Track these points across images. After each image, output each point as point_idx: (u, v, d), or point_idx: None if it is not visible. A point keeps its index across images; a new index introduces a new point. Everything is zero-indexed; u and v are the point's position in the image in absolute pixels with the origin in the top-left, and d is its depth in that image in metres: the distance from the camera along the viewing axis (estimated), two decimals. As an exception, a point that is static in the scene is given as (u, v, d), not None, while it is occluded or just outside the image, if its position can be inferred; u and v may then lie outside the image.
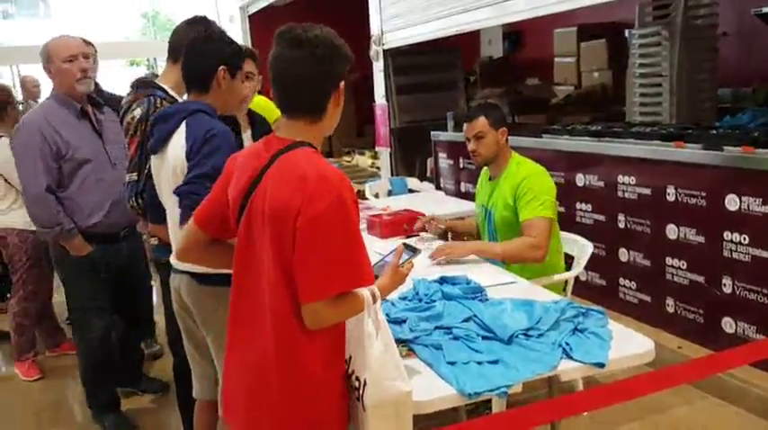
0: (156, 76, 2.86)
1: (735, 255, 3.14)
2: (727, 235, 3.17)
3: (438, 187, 5.84)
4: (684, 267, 3.45)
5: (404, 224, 3.39)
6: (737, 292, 3.15)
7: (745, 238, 3.08)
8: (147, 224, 2.54)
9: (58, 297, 4.73)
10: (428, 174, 6.24)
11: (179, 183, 2.06)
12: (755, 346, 2.54)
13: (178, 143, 2.06)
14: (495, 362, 1.84)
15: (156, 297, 4.13)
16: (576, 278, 3.06)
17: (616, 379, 2.10)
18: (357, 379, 1.61)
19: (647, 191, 3.65)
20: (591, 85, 6.67)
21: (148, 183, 2.32)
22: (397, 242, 3.12)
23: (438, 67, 6.79)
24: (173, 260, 2.21)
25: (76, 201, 3.03)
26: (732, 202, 3.13)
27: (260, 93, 3.08)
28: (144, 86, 2.56)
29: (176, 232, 2.14)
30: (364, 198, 5.30)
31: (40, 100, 5.51)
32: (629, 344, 1.95)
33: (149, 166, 2.32)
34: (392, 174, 6.42)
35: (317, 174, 1.52)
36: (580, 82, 6.88)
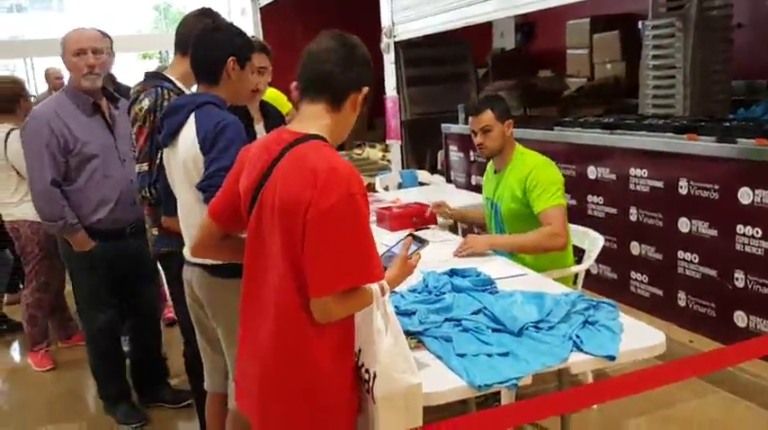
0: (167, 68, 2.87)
1: (747, 249, 3.11)
2: (739, 228, 3.14)
3: (448, 180, 5.83)
4: (696, 261, 3.43)
5: (413, 217, 3.38)
6: (750, 286, 3.12)
7: (758, 232, 3.05)
8: (153, 218, 2.54)
9: (71, 288, 4.79)
10: (439, 167, 6.22)
11: (191, 176, 2.07)
12: (767, 340, 2.52)
13: (189, 136, 2.07)
14: (506, 354, 1.84)
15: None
16: (587, 271, 3.05)
17: (626, 372, 2.10)
18: (367, 371, 1.61)
19: (659, 184, 3.62)
20: (604, 77, 6.59)
21: (161, 174, 2.33)
22: (406, 234, 3.13)
23: (449, 60, 6.76)
24: (186, 252, 2.23)
25: (82, 196, 3.02)
26: (745, 196, 3.10)
27: (270, 85, 3.07)
28: (152, 78, 2.56)
29: (188, 223, 2.15)
30: (374, 191, 5.30)
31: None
32: (640, 337, 1.94)
33: (161, 158, 2.33)
34: (403, 167, 6.40)
35: (327, 166, 1.52)
36: (593, 74, 6.81)
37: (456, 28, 5.44)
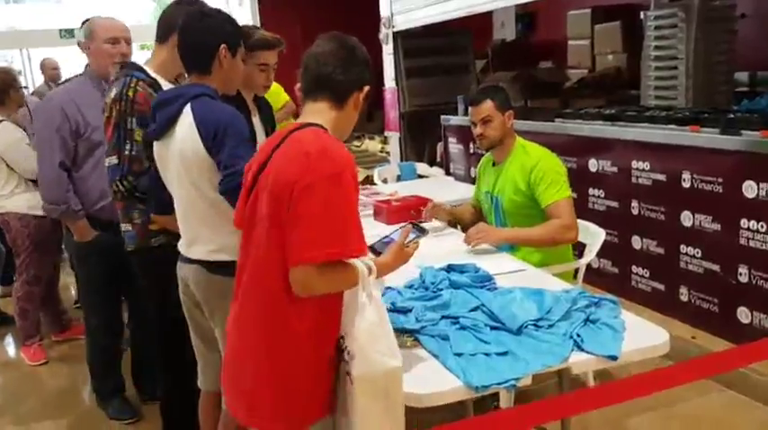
0: None
1: (752, 244, 3.05)
2: (744, 222, 3.08)
3: (448, 172, 5.76)
4: (699, 255, 3.37)
5: (411, 210, 3.32)
6: (754, 281, 3.06)
7: (762, 226, 2.99)
8: (126, 213, 2.46)
9: (67, 279, 4.74)
10: (438, 160, 6.16)
11: (190, 170, 2.01)
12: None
13: (186, 128, 2.00)
14: (504, 353, 1.78)
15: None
16: (588, 265, 2.99)
17: (629, 370, 2.04)
18: (349, 352, 1.59)
19: (661, 176, 3.56)
20: (605, 68, 6.53)
21: (150, 170, 2.26)
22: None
23: (449, 50, 6.68)
24: (182, 248, 2.16)
25: (88, 184, 3.00)
26: (750, 189, 3.03)
27: None
28: (126, 67, 2.49)
29: (188, 219, 2.09)
30: (373, 183, 5.24)
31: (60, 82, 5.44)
32: (642, 335, 1.88)
33: (129, 148, 2.28)
34: (401, 159, 6.34)
35: (320, 148, 1.58)
36: (594, 65, 6.75)
37: (456, 18, 5.36)
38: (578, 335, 1.84)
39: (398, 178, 5.45)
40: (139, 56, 3.44)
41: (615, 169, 3.88)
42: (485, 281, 2.25)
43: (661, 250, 3.62)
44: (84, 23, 3.02)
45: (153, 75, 2.45)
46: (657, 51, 4.60)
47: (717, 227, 3.24)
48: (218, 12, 2.17)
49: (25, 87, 6.44)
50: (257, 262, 1.66)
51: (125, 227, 2.47)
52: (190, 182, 2.02)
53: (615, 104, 4.84)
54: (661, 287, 3.65)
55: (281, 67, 2.70)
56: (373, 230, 2.93)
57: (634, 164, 3.72)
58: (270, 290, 1.62)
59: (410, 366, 1.78)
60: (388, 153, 6.97)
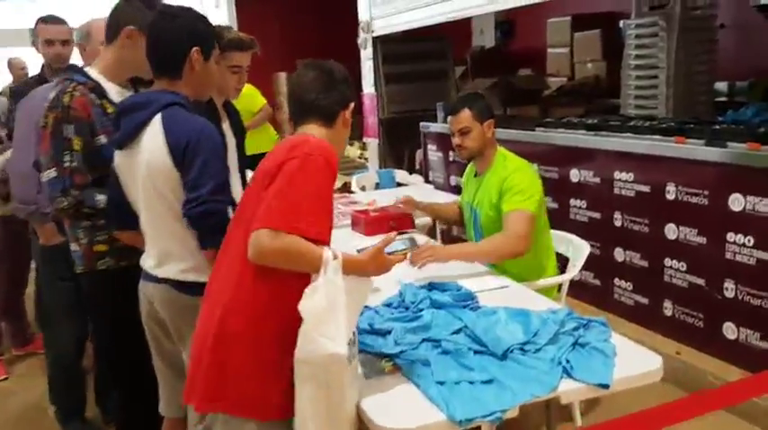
0: None
1: (738, 258, 2.98)
2: (730, 236, 3.01)
3: (427, 180, 5.66)
4: (684, 269, 3.29)
5: (390, 221, 3.20)
6: (740, 297, 2.99)
7: (749, 240, 2.92)
8: (72, 231, 2.30)
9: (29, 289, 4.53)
10: (417, 167, 6.06)
11: (157, 184, 1.86)
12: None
13: (154, 139, 1.85)
14: (489, 381, 1.67)
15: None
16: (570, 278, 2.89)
17: (616, 396, 1.93)
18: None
19: (645, 188, 3.48)
20: (584, 76, 6.50)
21: (109, 182, 2.08)
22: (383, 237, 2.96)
23: (428, 56, 6.59)
24: (148, 266, 2.02)
25: None
26: (736, 202, 2.97)
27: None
28: (68, 71, 2.32)
29: (157, 235, 1.95)
30: (350, 191, 5.12)
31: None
32: (634, 361, 1.78)
33: (69, 159, 2.10)
34: (380, 166, 6.23)
35: (303, 139, 1.70)
36: (573, 73, 6.71)
37: (435, 24, 5.27)
38: (567, 361, 1.74)
39: (377, 186, 5.34)
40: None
41: (598, 180, 3.80)
42: (467, 299, 2.15)
43: (645, 263, 3.55)
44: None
45: (97, 78, 2.26)
46: (638, 60, 4.56)
47: (702, 240, 3.17)
48: (189, 10, 1.99)
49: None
50: (231, 257, 1.71)
51: (73, 247, 2.30)
52: (158, 196, 1.88)
53: (595, 113, 4.79)
54: (645, 301, 3.58)
55: (259, 70, 2.59)
56: (351, 242, 2.84)
57: (617, 174, 3.65)
58: (243, 277, 1.64)
59: (389, 395, 1.67)
60: (366, 159, 6.86)
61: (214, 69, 2.02)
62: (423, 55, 6.51)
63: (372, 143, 6.36)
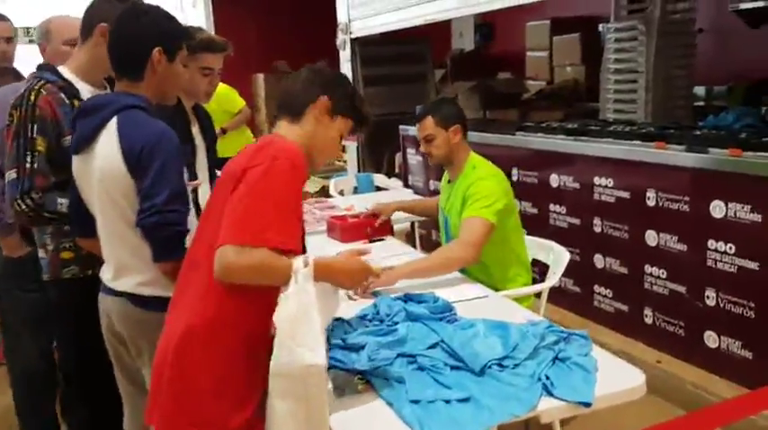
0: None
1: (719, 265, 2.94)
2: (711, 243, 2.97)
3: (406, 184, 5.58)
4: (664, 276, 3.25)
5: (366, 228, 3.12)
6: (722, 305, 2.95)
7: (731, 248, 2.88)
8: (39, 237, 2.21)
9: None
10: (396, 171, 5.98)
11: (111, 192, 1.77)
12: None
13: (108, 144, 1.75)
14: (466, 399, 1.59)
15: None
16: (550, 285, 2.83)
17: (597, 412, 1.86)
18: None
19: (625, 194, 3.44)
20: (563, 80, 6.47)
21: (70, 187, 1.99)
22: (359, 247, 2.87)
23: (407, 59, 6.53)
24: (105, 278, 1.91)
25: None
26: (717, 209, 2.93)
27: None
28: (38, 69, 2.22)
29: (112, 245, 1.85)
30: (328, 195, 5.03)
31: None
32: (616, 377, 1.71)
33: (31, 160, 2.00)
34: (359, 170, 6.14)
35: (270, 142, 1.62)
36: (552, 77, 6.69)
37: (414, 26, 5.20)
38: (547, 378, 1.66)
39: (355, 190, 5.26)
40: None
41: (577, 185, 3.75)
42: (444, 311, 2.07)
43: (624, 270, 3.50)
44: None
45: (69, 77, 2.16)
46: (617, 64, 4.54)
47: (683, 247, 3.13)
48: (155, 8, 1.89)
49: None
50: (194, 266, 1.63)
51: (40, 253, 2.20)
52: (113, 205, 1.78)
53: (574, 117, 4.75)
54: (625, 308, 3.53)
55: (236, 71, 2.50)
56: (326, 248, 2.75)
57: (596, 180, 3.60)
58: (200, 271, 1.57)
59: (361, 416, 1.58)
60: (346, 162, 6.77)
61: (180, 71, 1.91)
62: (402, 57, 6.45)
63: (351, 146, 6.27)
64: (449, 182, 2.86)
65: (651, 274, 3.32)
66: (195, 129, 2.48)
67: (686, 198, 3.08)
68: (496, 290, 2.53)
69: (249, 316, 1.55)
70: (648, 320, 3.37)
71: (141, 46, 1.81)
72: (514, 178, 4.13)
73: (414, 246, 3.45)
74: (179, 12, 9.06)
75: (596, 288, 3.70)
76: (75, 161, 1.88)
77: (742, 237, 2.83)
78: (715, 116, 3.79)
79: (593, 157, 3.63)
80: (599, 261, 3.66)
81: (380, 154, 6.25)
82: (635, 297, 3.44)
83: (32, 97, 2.06)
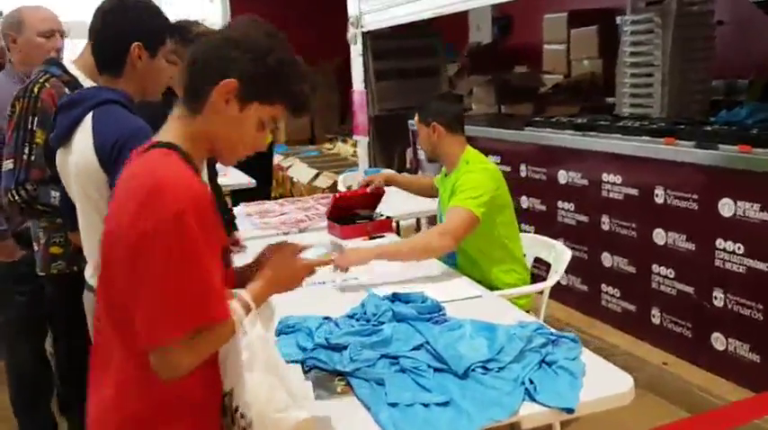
0: None
1: (728, 266, 2.86)
2: (719, 243, 2.88)
3: (417, 179, 5.53)
4: (672, 276, 3.17)
5: (367, 226, 3.10)
6: (729, 306, 2.87)
7: (739, 248, 2.80)
8: (34, 230, 2.23)
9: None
10: (407, 166, 5.93)
11: (86, 188, 1.75)
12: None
13: (83, 139, 1.73)
14: (446, 403, 1.55)
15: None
16: (557, 282, 2.76)
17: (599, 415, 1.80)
18: (243, 416, 1.29)
19: (633, 191, 3.36)
20: (580, 73, 6.35)
21: (61, 183, 1.99)
22: (359, 244, 2.84)
23: (420, 52, 6.46)
24: (87, 275, 1.90)
25: None
26: (726, 207, 2.84)
27: None
28: (44, 63, 2.23)
29: (90, 240, 1.83)
30: (336, 192, 4.99)
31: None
32: (603, 382, 1.65)
33: (28, 152, 2.02)
34: (370, 165, 6.10)
35: (150, 185, 1.22)
36: (570, 70, 6.57)
37: (427, 18, 5.13)
38: (531, 382, 1.61)
39: (365, 185, 5.21)
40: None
41: (585, 182, 3.68)
42: (433, 311, 2.02)
43: (632, 269, 3.42)
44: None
45: (75, 73, 2.16)
46: (633, 58, 4.43)
47: (691, 246, 3.05)
48: (141, 3, 1.85)
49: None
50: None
51: (35, 246, 2.22)
52: (87, 199, 1.77)
53: (589, 112, 4.65)
54: (632, 308, 3.45)
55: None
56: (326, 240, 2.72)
57: (605, 176, 3.52)
58: (115, 359, 1.29)
59: (337, 419, 1.54)
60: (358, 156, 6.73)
61: (162, 67, 1.89)
62: (414, 51, 6.38)
63: (362, 141, 6.23)
64: (446, 175, 2.83)
65: (659, 274, 3.24)
66: None
67: (695, 196, 3.00)
68: (489, 284, 2.50)
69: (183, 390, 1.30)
70: (656, 320, 3.29)
71: (120, 41, 1.78)
72: (523, 174, 4.07)
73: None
74: (198, 7, 9.12)
75: (604, 287, 3.63)
76: (57, 156, 1.88)
77: (751, 236, 2.75)
78: (728, 111, 3.68)
79: (601, 153, 3.55)
80: (606, 259, 3.58)
81: (392, 149, 6.20)
82: (642, 297, 3.37)
83: (36, 89, 2.08)
